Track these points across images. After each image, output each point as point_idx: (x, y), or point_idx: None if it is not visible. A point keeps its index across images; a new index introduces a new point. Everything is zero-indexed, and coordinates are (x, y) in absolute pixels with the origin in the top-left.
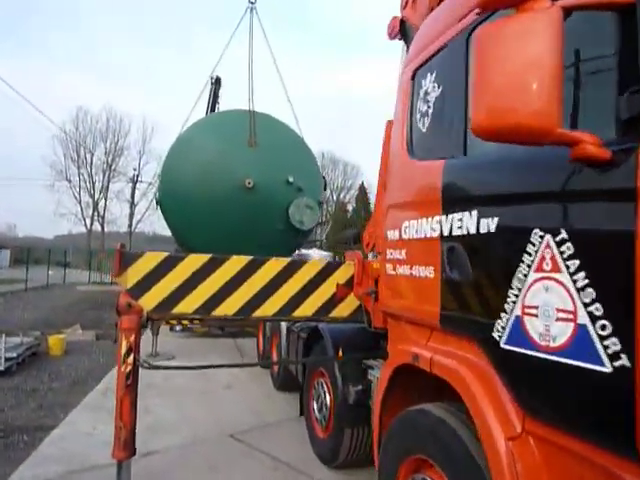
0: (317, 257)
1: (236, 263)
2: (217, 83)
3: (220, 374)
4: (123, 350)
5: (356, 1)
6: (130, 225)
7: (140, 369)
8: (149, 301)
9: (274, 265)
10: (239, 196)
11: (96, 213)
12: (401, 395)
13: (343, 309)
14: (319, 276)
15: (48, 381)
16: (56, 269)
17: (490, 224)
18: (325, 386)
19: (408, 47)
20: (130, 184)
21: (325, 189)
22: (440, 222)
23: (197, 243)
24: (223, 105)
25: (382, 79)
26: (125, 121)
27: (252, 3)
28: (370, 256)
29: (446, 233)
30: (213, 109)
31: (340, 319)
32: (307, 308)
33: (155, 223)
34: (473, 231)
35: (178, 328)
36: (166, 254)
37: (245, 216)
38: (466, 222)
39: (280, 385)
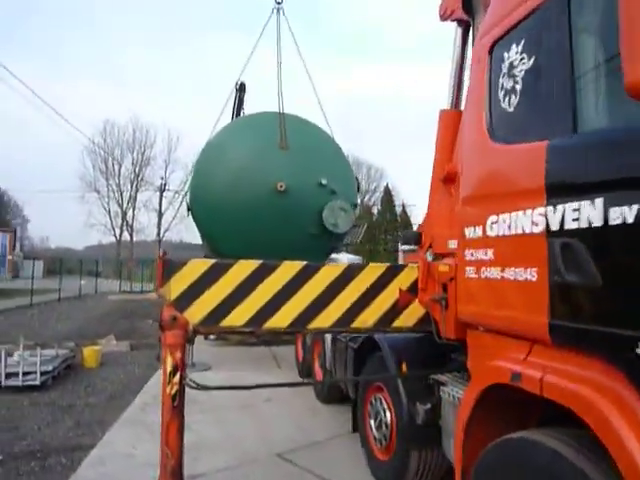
0: (346, 261)
1: (288, 270)
2: (242, 89)
3: (252, 378)
4: (168, 369)
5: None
6: (158, 233)
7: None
8: (195, 313)
9: (330, 271)
10: (271, 200)
11: (125, 223)
12: (484, 418)
13: (407, 318)
14: (379, 282)
15: (84, 395)
16: (87, 279)
17: (627, 213)
18: (384, 403)
19: (474, 23)
20: (157, 193)
21: (358, 191)
22: (545, 214)
23: (229, 249)
24: (248, 111)
25: (394, 80)
26: (151, 132)
27: (279, 3)
28: (428, 258)
29: (555, 227)
30: (238, 115)
31: (404, 329)
32: (367, 318)
33: (182, 231)
34: (598, 223)
35: (212, 337)
36: (213, 261)
37: (278, 220)
38: (587, 212)
39: (325, 398)
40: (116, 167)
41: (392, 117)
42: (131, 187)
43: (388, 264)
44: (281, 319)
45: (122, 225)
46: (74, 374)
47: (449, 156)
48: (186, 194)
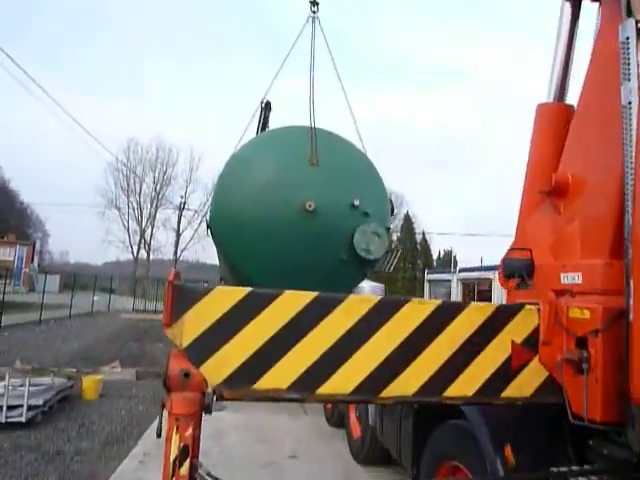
0: (369, 290)
1: (355, 307)
2: (267, 107)
3: (282, 435)
4: (173, 453)
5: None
6: (175, 252)
7: None
8: (218, 369)
9: (412, 312)
10: (299, 220)
11: (142, 241)
12: None
13: (523, 384)
14: (484, 330)
15: (76, 438)
16: (101, 295)
17: None
18: None
19: None
20: (176, 212)
21: (392, 214)
22: None
23: (251, 271)
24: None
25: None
26: (173, 151)
27: (314, 13)
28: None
29: None
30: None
31: (519, 400)
32: (467, 384)
33: (199, 251)
34: None
35: None
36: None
37: (305, 243)
38: None
39: (365, 457)
40: (137, 185)
41: (411, 144)
42: (151, 205)
43: (496, 304)
44: (342, 382)
45: (140, 242)
46: (69, 408)
47: (553, 162)
48: (206, 213)
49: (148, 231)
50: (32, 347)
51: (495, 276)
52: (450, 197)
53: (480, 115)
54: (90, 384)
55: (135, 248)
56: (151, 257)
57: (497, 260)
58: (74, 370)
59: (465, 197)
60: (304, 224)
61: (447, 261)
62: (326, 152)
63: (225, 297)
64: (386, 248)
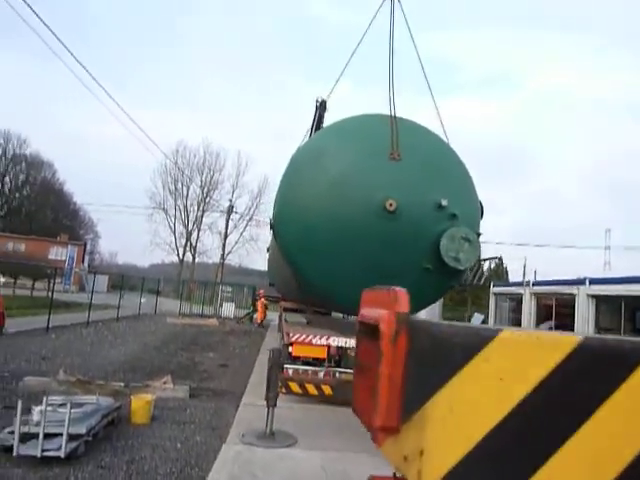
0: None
1: None
2: (322, 106)
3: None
4: None
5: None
6: (222, 254)
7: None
8: None
9: None
10: (377, 221)
11: (189, 244)
12: None
13: None
14: None
15: None
16: (148, 296)
17: None
18: None
19: None
20: (222, 216)
21: (482, 216)
22: None
23: (317, 275)
24: None
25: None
26: (221, 155)
27: None
28: None
29: None
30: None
31: None
32: None
33: (243, 256)
34: None
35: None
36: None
37: (383, 247)
38: None
39: None
40: (185, 188)
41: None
42: (197, 209)
43: None
44: None
45: (185, 246)
46: (117, 435)
47: None
48: (252, 214)
49: (194, 234)
50: (77, 353)
51: (580, 291)
52: (492, 206)
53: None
54: (141, 406)
55: (181, 251)
56: (196, 260)
57: (555, 274)
58: (122, 384)
59: (508, 208)
60: (383, 226)
61: (498, 273)
62: (408, 145)
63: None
64: (478, 256)
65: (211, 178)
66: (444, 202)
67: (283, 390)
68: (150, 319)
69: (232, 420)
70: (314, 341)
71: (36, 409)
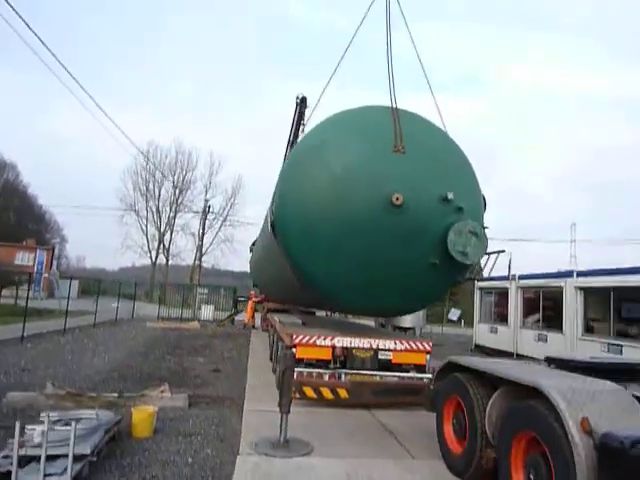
0: (409, 316)
1: None
2: (303, 102)
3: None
4: None
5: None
6: (199, 255)
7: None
8: None
9: None
10: (383, 216)
11: (162, 246)
12: None
13: None
14: None
15: None
16: (121, 301)
17: None
18: None
19: None
20: (197, 217)
21: (485, 210)
22: None
23: (320, 274)
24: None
25: None
26: (193, 155)
27: None
28: None
29: None
30: (297, 129)
31: None
32: None
33: (218, 257)
34: None
35: (298, 395)
36: None
37: (388, 243)
38: None
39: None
40: (156, 189)
41: None
42: (170, 210)
43: None
44: None
45: (158, 248)
46: (120, 452)
47: None
48: (270, 207)
49: (167, 236)
50: (59, 362)
51: (567, 284)
52: None
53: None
54: (143, 418)
55: (154, 253)
56: (170, 262)
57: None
58: (116, 395)
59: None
60: (389, 221)
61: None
62: (411, 137)
63: None
64: (485, 250)
65: (183, 178)
66: (450, 195)
67: (297, 395)
68: (129, 324)
69: (239, 428)
70: (318, 342)
71: (37, 429)
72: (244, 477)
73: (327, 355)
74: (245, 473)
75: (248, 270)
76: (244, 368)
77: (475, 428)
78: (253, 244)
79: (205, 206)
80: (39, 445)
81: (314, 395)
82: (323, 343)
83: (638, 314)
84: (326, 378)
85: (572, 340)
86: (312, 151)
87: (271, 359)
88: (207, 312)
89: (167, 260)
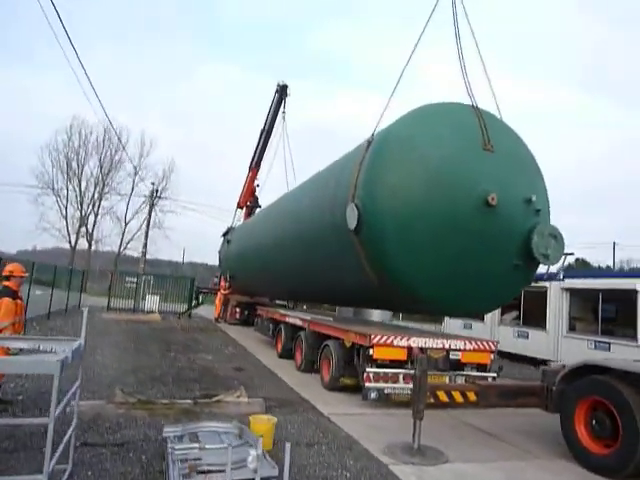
0: (378, 312)
1: None
2: (283, 90)
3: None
4: None
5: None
6: (145, 244)
7: None
8: None
9: None
10: (477, 216)
11: (84, 229)
12: None
13: None
14: None
15: None
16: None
17: None
18: None
19: None
20: (123, 200)
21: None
22: None
23: (411, 270)
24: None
25: None
26: (123, 134)
27: None
28: None
29: None
30: (275, 117)
31: None
32: None
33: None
34: None
35: (373, 395)
36: None
37: (479, 243)
38: None
39: None
40: (80, 168)
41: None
42: (94, 191)
43: None
44: None
45: (79, 232)
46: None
47: None
48: (352, 200)
49: (90, 219)
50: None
51: (552, 285)
52: None
53: None
54: (267, 429)
55: (73, 237)
56: (86, 248)
57: None
58: (190, 402)
59: None
60: (482, 221)
61: None
62: (495, 136)
63: None
64: (563, 253)
65: (111, 158)
66: (534, 197)
67: (431, 400)
68: (81, 316)
69: (346, 434)
70: (395, 342)
71: (252, 452)
72: None
73: (402, 355)
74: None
75: (185, 259)
76: (262, 365)
77: (632, 428)
78: (226, 234)
79: (153, 190)
80: (255, 470)
81: (447, 399)
82: (400, 343)
83: (618, 314)
84: (401, 378)
85: (555, 338)
86: (404, 144)
87: (282, 356)
88: (152, 303)
89: (90, 245)
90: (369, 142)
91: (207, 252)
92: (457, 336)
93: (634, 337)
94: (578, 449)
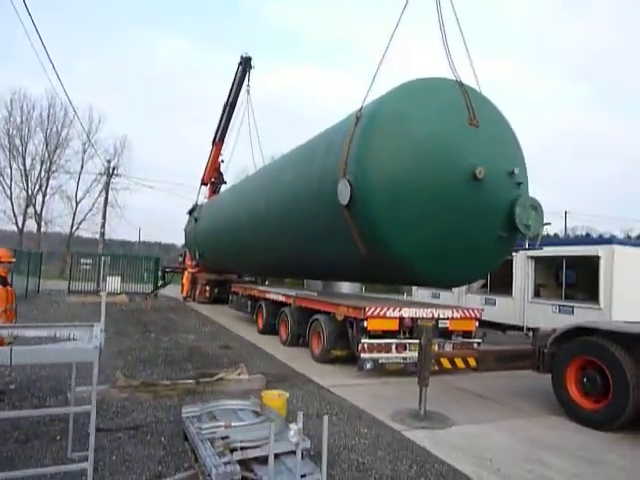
0: (348, 285)
1: None
2: (247, 63)
3: (548, 433)
4: None
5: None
6: (103, 224)
7: None
8: None
9: None
10: (465, 189)
11: (32, 210)
12: None
13: None
14: None
15: None
16: None
17: None
18: None
19: None
20: (73, 178)
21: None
22: None
23: (403, 243)
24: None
25: None
26: (69, 109)
27: None
28: None
29: None
30: (239, 89)
31: None
32: None
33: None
34: None
35: (369, 365)
36: None
37: (466, 216)
38: None
39: None
40: (23, 146)
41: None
42: (41, 170)
43: None
44: None
45: (25, 212)
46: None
47: None
48: (344, 176)
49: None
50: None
51: (518, 254)
52: None
53: None
54: (281, 404)
55: (20, 219)
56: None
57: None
58: (192, 382)
59: None
60: (470, 194)
61: None
62: (479, 111)
63: None
64: (543, 224)
65: (58, 135)
66: (516, 170)
67: (436, 367)
68: (47, 299)
69: (351, 404)
70: (388, 314)
71: (292, 427)
72: (438, 451)
73: (394, 326)
74: (436, 447)
75: (140, 238)
76: (247, 342)
77: (623, 384)
78: (192, 211)
79: (108, 168)
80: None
81: (450, 365)
82: (392, 314)
83: (581, 280)
84: (394, 348)
85: (521, 304)
86: (393, 120)
87: (263, 332)
88: (114, 284)
89: (39, 226)
90: (358, 117)
91: (163, 231)
92: (445, 305)
93: (596, 300)
94: (570, 405)
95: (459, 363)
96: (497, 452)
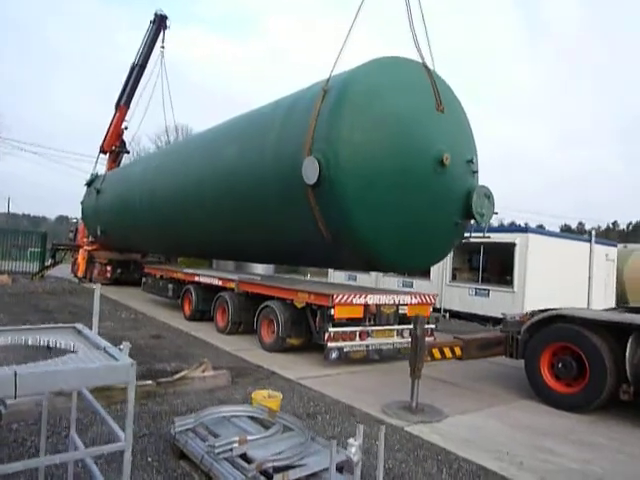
0: (262, 267)
1: None
2: (161, 21)
3: (538, 419)
4: None
5: None
6: None
7: None
8: None
9: None
10: (431, 175)
11: None
12: None
13: None
14: None
15: None
16: None
17: None
18: None
19: None
20: None
21: None
22: None
23: (369, 227)
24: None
25: None
26: None
27: None
28: None
29: None
30: (150, 51)
31: None
32: None
33: None
34: None
35: (334, 355)
36: None
37: (429, 202)
38: None
39: None
40: None
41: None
42: None
43: None
44: None
45: None
46: None
47: None
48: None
49: None
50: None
51: (521, 241)
52: None
53: None
54: (275, 406)
55: None
56: None
57: None
58: (150, 382)
59: None
60: (435, 180)
61: None
62: (442, 97)
63: None
64: (493, 212)
65: None
66: (474, 159)
67: (428, 358)
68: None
69: (330, 400)
70: (354, 301)
71: (354, 443)
72: (453, 446)
73: (359, 313)
74: (440, 440)
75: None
76: (179, 331)
77: (600, 369)
78: (91, 183)
79: None
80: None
81: (439, 356)
82: (358, 301)
83: (496, 265)
84: (357, 335)
85: (439, 286)
86: (367, 96)
87: (192, 319)
88: None
89: None
90: (325, 90)
91: (33, 202)
92: (404, 291)
93: (510, 284)
94: (543, 389)
95: (447, 353)
96: (506, 444)
